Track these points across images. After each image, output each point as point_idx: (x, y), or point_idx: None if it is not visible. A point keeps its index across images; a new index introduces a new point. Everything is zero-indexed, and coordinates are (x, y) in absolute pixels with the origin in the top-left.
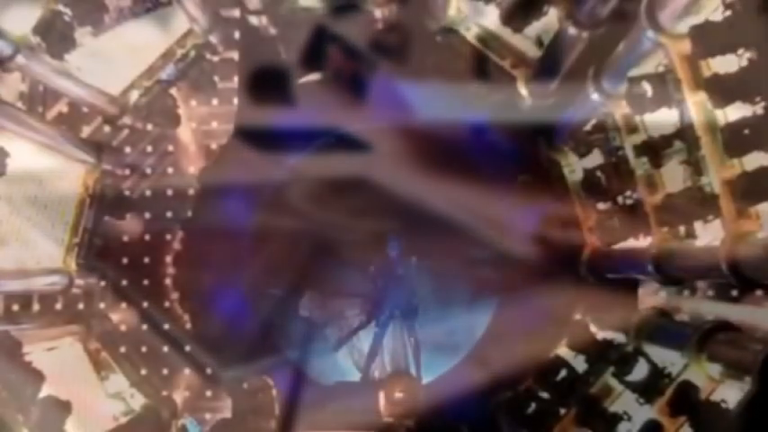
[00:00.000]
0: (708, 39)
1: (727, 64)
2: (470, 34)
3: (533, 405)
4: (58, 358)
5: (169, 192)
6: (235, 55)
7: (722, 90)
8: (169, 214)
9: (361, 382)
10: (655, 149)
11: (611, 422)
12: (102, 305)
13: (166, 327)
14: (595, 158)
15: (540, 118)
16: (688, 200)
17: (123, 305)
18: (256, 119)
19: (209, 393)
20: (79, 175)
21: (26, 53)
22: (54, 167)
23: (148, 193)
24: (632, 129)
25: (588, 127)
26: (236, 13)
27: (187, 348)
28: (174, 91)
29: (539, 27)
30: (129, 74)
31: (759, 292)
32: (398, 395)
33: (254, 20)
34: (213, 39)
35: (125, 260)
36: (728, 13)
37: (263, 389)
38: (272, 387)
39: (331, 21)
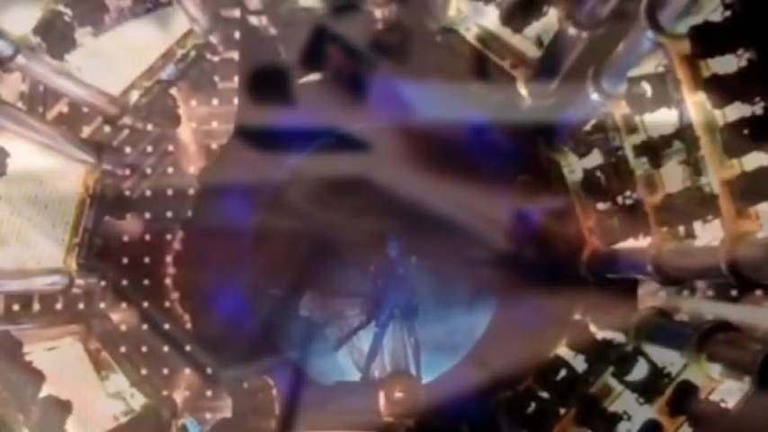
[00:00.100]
0: (707, 39)
1: (726, 64)
2: (470, 34)
3: (533, 405)
4: (59, 358)
5: (169, 192)
6: (235, 55)
7: (721, 90)
8: (169, 214)
9: (361, 382)
10: (654, 149)
11: (611, 422)
12: (102, 305)
13: (167, 327)
14: (595, 158)
15: (540, 118)
16: (687, 200)
17: (123, 305)
18: (256, 119)
19: (209, 393)
20: (79, 175)
21: (27, 53)
22: (54, 167)
23: (149, 193)
24: (632, 129)
25: (588, 127)
26: (237, 13)
27: (187, 348)
28: (174, 91)
29: (538, 27)
30: (130, 74)
31: (758, 292)
32: (398, 395)
33: (254, 20)
34: (213, 39)
35: (125, 260)
36: (728, 13)
37: (264, 389)
38: (272, 387)
39: (331, 21)
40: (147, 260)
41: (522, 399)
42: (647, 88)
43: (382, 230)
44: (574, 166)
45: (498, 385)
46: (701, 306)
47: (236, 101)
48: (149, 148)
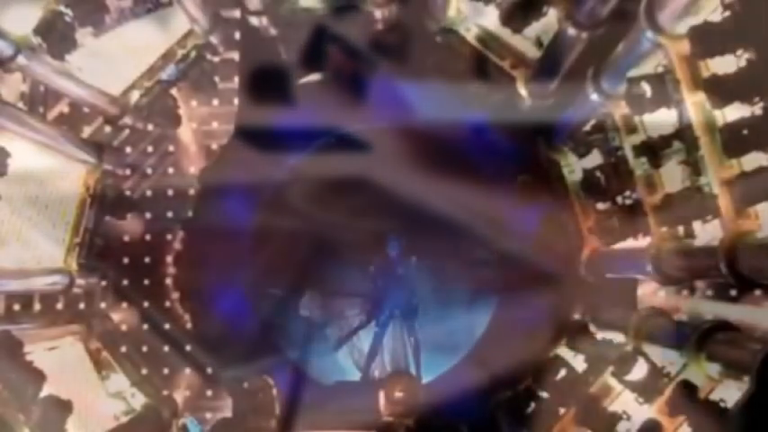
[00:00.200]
0: (707, 39)
1: (725, 65)
2: (470, 35)
3: (533, 404)
4: (59, 358)
5: (170, 192)
6: (235, 55)
7: (721, 90)
8: (170, 214)
9: (361, 382)
10: (654, 150)
11: (611, 421)
12: (102, 305)
13: (167, 326)
14: (595, 159)
15: (540, 118)
16: (687, 200)
17: (124, 305)
18: (257, 119)
19: (209, 393)
20: (80, 175)
21: (27, 54)
22: (55, 168)
23: (149, 193)
24: (631, 129)
25: (587, 127)
26: (237, 13)
27: (188, 348)
28: (174, 91)
29: (538, 28)
30: (130, 74)
31: (758, 292)
32: (398, 395)
33: (254, 20)
34: (214, 39)
35: (126, 260)
36: (727, 13)
37: (264, 388)
38: (272, 387)
39: (331, 21)
40: (147, 260)
41: (521, 398)
42: (646, 88)
43: (382, 230)
44: (573, 166)
45: (498, 385)
46: (700, 306)
47: (236, 101)
48: (150, 149)
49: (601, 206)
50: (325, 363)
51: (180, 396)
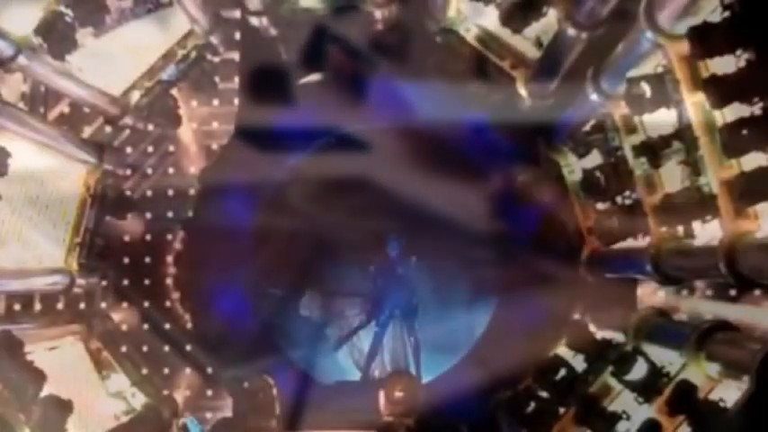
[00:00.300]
0: (706, 39)
1: (725, 65)
2: (470, 35)
3: (533, 404)
4: (60, 358)
5: (170, 192)
6: (235, 56)
7: (720, 91)
8: (170, 214)
9: (362, 382)
10: (653, 150)
11: (610, 421)
12: (103, 305)
13: (167, 326)
14: (594, 159)
15: (540, 118)
16: (686, 200)
17: (124, 305)
18: (257, 119)
19: (209, 393)
20: (80, 175)
21: (28, 54)
22: (55, 168)
23: (149, 193)
24: (631, 129)
25: (587, 127)
26: (237, 13)
27: (188, 348)
28: (175, 91)
29: (538, 28)
30: (131, 74)
31: (757, 292)
32: (398, 394)
33: (254, 21)
34: (214, 39)
35: (126, 260)
36: (727, 13)
37: (264, 388)
38: (272, 386)
39: (331, 21)
40: (147, 260)
41: (521, 398)
42: (646, 89)
43: (382, 230)
44: (573, 167)
45: (498, 385)
46: (700, 306)
47: (236, 101)
48: (150, 149)
49: (600, 206)
50: (325, 362)
51: (180, 396)
